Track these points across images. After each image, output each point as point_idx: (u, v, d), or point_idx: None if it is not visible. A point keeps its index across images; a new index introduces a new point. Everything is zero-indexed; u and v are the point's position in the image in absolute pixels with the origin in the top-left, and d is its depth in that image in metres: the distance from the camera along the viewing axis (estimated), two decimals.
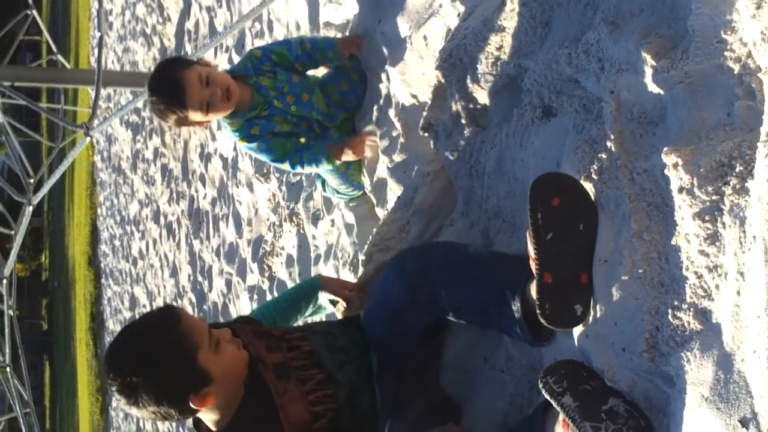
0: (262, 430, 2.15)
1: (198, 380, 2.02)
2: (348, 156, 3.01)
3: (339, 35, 3.36)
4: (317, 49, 3.08)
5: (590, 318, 1.71)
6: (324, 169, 3.14)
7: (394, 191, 2.84)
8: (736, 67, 1.41)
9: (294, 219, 4.13)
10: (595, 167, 1.71)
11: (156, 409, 1.99)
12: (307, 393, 2.15)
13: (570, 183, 1.74)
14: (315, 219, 3.79)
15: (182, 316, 2.08)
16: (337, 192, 3.31)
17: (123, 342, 2.09)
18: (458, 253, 2.14)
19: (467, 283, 2.02)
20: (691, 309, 1.47)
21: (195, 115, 2.90)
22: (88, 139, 3.01)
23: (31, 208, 3.80)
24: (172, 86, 2.84)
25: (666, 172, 1.49)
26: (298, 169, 3.13)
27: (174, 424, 7.00)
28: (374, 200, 3.04)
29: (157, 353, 2.00)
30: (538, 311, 1.74)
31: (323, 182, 3.35)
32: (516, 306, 1.89)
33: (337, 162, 3.03)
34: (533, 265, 1.76)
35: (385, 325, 2.22)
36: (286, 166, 3.15)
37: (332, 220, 3.60)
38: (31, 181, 4.25)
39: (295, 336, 2.29)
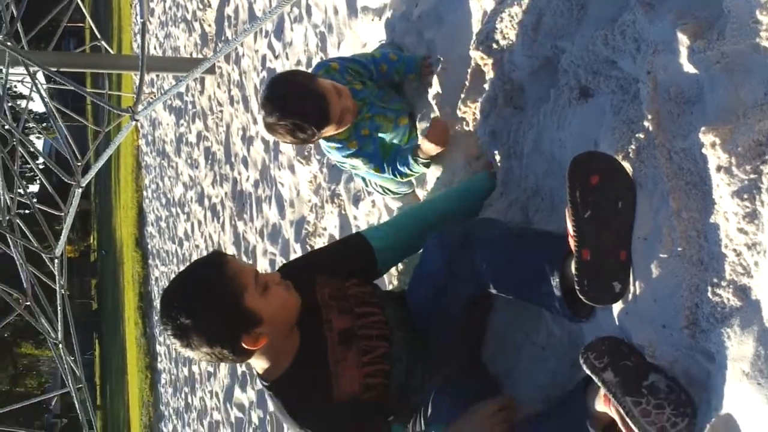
0: (310, 395, 2.18)
1: (247, 320, 2.05)
2: (431, 149, 2.71)
3: (377, 19, 3.38)
4: (395, 71, 2.94)
5: (629, 295, 1.72)
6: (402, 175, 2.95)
7: (433, 173, 2.87)
8: None
9: (335, 200, 4.17)
10: (633, 147, 1.71)
11: (209, 350, 2.04)
12: (364, 364, 2.18)
13: (608, 161, 1.74)
14: (356, 200, 3.83)
15: (228, 259, 2.12)
16: (388, 190, 3.21)
17: (172, 287, 2.14)
18: (498, 228, 2.14)
19: (507, 256, 2.03)
20: (731, 286, 1.47)
21: (330, 129, 2.68)
22: (134, 123, 3.05)
23: (80, 191, 3.88)
24: (314, 99, 2.58)
25: (704, 151, 1.50)
26: (396, 176, 2.90)
27: (219, 393, 7.17)
28: (414, 181, 3.07)
29: (204, 295, 2.04)
30: (577, 288, 1.74)
31: (364, 179, 3.28)
32: (555, 282, 1.89)
33: (422, 161, 2.78)
34: (572, 243, 1.76)
35: (428, 297, 2.23)
36: (389, 171, 2.90)
37: (373, 201, 3.64)
38: (79, 164, 4.33)
39: (370, 302, 2.29)
